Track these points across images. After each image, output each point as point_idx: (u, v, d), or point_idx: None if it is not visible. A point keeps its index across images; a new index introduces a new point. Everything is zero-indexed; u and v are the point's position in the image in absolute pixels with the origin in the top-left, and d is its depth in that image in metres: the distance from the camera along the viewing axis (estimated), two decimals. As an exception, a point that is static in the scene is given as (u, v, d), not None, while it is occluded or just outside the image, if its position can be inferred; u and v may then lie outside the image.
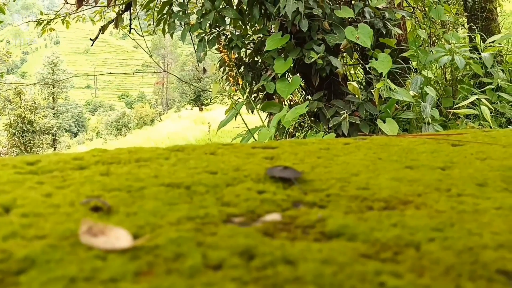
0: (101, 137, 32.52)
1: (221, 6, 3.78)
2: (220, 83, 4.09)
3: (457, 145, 0.88)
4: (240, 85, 3.82)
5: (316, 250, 0.35)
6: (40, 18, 7.57)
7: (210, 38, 3.88)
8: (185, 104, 31.65)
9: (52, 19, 6.90)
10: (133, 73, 5.69)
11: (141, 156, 0.65)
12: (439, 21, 4.52)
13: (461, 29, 5.93)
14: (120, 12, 6.11)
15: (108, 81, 65.25)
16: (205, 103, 27.69)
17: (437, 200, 0.50)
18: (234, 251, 0.34)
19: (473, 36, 4.37)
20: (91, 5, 5.73)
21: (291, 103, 4.12)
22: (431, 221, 0.43)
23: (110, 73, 6.17)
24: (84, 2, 4.75)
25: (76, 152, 0.68)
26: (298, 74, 3.75)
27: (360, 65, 4.31)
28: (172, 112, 33.50)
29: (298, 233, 0.40)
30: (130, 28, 6.06)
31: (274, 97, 3.92)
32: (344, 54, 4.02)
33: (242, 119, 3.25)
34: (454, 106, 3.62)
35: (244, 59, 4.13)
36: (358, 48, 3.98)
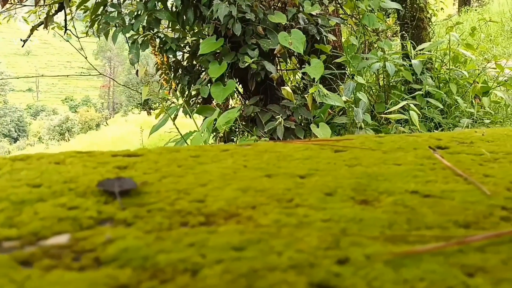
0: (43, 143, 31.05)
1: (157, 8, 3.68)
2: (155, 87, 3.98)
3: (340, 151, 0.86)
4: (174, 89, 3.73)
5: (65, 282, 0.30)
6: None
7: (143, 40, 3.77)
8: (132, 108, 30.81)
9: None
10: (67, 76, 5.43)
11: (-35, 167, 0.57)
12: (374, 29, 4.65)
13: (396, 37, 6.16)
14: (54, 12, 5.85)
15: (51, 84, 62.30)
16: (153, 107, 27.12)
17: (268, 212, 0.46)
18: (-47, 287, 0.28)
19: (405, 44, 4.53)
20: (19, 5, 5.41)
21: (230, 107, 4.09)
22: (238, 238, 0.39)
23: (42, 75, 5.86)
24: (9, 1, 4.47)
25: None
26: (235, 79, 3.72)
27: (298, 71, 4.36)
28: (119, 116, 32.56)
29: (67, 260, 0.34)
30: (66, 29, 5.81)
31: (212, 101, 3.87)
32: (282, 59, 4.03)
33: (174, 123, 3.16)
34: (385, 111, 3.72)
35: (183, 62, 4.05)
36: (297, 54, 4.01)
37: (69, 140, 27.57)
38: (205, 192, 0.53)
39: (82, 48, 5.32)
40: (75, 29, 5.70)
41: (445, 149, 0.91)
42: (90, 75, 5.80)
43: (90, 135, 24.14)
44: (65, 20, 5.86)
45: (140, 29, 3.75)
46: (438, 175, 0.65)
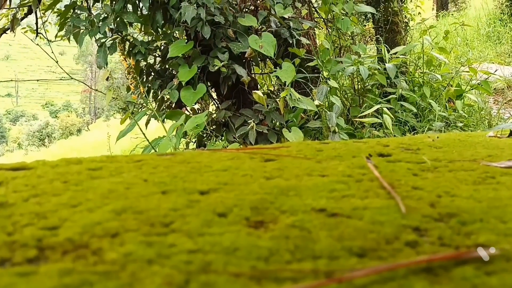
0: (22, 148, 30.42)
1: (126, 10, 3.58)
2: (123, 91, 3.88)
3: (270, 160, 0.78)
4: (144, 94, 3.64)
5: None
6: None
7: (112, 43, 3.66)
8: (114, 113, 30.34)
9: None
10: (37, 80, 5.29)
11: None
12: (349, 32, 4.61)
13: (372, 41, 6.16)
14: (23, 15, 5.72)
15: (31, 89, 61.16)
16: (134, 112, 26.77)
17: (126, 242, 0.38)
18: None
19: (380, 48, 4.51)
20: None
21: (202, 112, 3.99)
22: (54, 283, 0.31)
23: (11, 80, 5.69)
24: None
25: None
26: (208, 83, 3.64)
27: (270, 74, 4.29)
28: (101, 121, 32.11)
29: None
30: (37, 33, 5.67)
31: (185, 106, 3.78)
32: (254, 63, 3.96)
33: (140, 129, 3.06)
34: (359, 115, 3.68)
35: (155, 66, 3.95)
36: (271, 57, 3.95)
37: (48, 146, 27.08)
38: (68, 216, 0.44)
39: (52, 52, 5.19)
40: (46, 32, 5.58)
41: (386, 157, 0.84)
42: (61, 79, 5.65)
43: (71, 141, 23.73)
44: (36, 23, 5.74)
45: (109, 32, 3.65)
46: (361, 188, 0.58)
